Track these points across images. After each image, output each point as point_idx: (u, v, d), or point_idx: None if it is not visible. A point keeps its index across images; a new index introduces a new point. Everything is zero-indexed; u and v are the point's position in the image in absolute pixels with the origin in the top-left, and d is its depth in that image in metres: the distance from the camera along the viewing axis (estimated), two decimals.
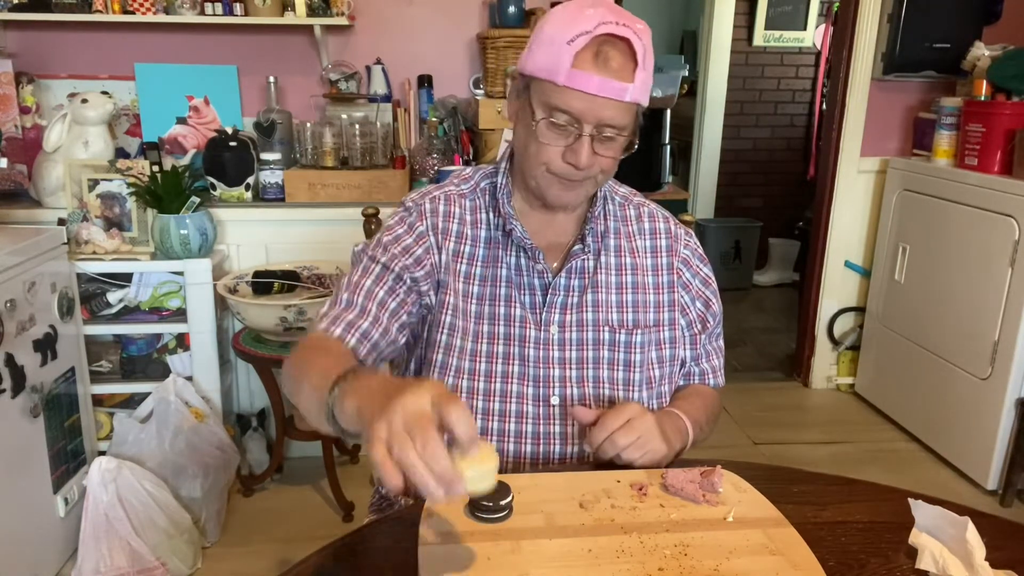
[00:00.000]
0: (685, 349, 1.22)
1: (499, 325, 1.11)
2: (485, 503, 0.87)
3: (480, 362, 1.11)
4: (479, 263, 1.13)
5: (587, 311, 1.13)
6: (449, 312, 1.11)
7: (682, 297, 1.20)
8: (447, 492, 0.68)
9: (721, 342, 1.27)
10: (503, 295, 1.12)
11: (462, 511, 0.90)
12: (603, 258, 1.15)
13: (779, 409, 3.20)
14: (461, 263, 1.13)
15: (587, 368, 1.12)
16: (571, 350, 1.12)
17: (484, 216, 1.15)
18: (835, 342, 3.34)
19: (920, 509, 0.89)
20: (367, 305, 1.07)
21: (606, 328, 1.13)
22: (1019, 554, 0.85)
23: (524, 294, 1.12)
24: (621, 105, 1.00)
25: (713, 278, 1.24)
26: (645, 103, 1.04)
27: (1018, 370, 2.40)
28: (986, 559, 0.82)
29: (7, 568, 1.82)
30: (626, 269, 1.16)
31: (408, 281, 1.10)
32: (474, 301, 1.12)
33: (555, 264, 1.14)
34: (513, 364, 1.11)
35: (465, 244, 1.13)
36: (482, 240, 1.14)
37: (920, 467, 2.75)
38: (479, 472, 0.72)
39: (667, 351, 1.19)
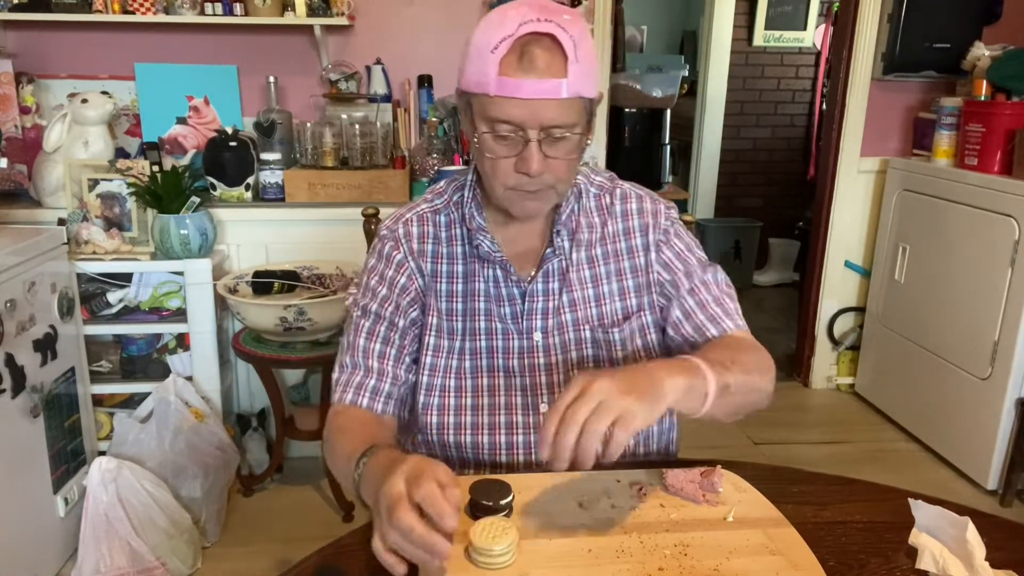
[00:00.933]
0: (674, 313, 1.12)
1: (481, 339, 1.11)
2: (485, 503, 0.87)
3: (466, 378, 1.11)
4: (459, 279, 1.12)
5: (566, 313, 1.11)
6: (433, 333, 1.12)
7: (664, 268, 1.13)
8: (435, 557, 0.72)
9: (730, 290, 1.16)
10: (483, 308, 1.11)
11: (462, 511, 0.90)
12: (575, 255, 1.12)
13: (779, 409, 3.20)
14: (440, 282, 1.12)
15: (573, 370, 1.11)
16: (556, 354, 1.11)
17: (459, 231, 1.13)
18: (835, 342, 3.34)
19: (920, 509, 0.89)
20: (369, 364, 1.09)
21: (587, 327, 1.12)
22: (1019, 554, 0.85)
23: (503, 305, 1.11)
24: (561, 103, 0.95)
25: (696, 243, 1.17)
26: (590, 94, 0.98)
27: (1018, 370, 2.40)
28: (986, 559, 0.82)
29: (7, 568, 1.82)
30: (598, 261, 1.13)
31: (401, 323, 1.11)
32: (458, 318, 1.11)
33: (531, 271, 1.12)
34: (498, 377, 1.11)
35: (442, 263, 1.12)
36: (459, 256, 1.12)
37: (920, 467, 2.75)
38: (500, 549, 0.79)
39: (653, 335, 1.15)
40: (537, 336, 1.11)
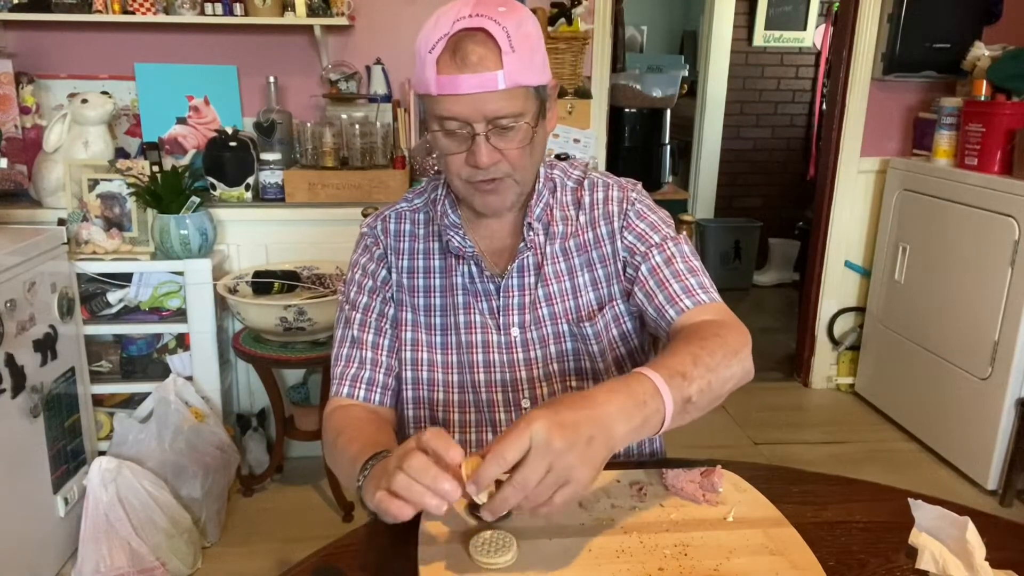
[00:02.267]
0: (643, 295, 1.09)
1: (461, 335, 1.11)
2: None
3: (451, 374, 1.12)
4: (436, 275, 1.13)
5: (542, 307, 1.11)
6: (409, 328, 1.13)
7: (628, 251, 1.11)
8: (444, 498, 0.72)
9: (693, 262, 1.10)
10: (461, 304, 1.12)
11: (462, 511, 0.90)
12: (548, 249, 1.12)
13: (779, 409, 3.20)
14: (418, 278, 1.13)
15: (552, 364, 1.12)
16: (535, 349, 1.12)
17: (436, 228, 1.14)
18: (835, 342, 3.34)
19: (920, 509, 0.89)
20: (364, 354, 1.11)
21: (564, 320, 1.12)
22: (1019, 554, 0.85)
23: (481, 300, 1.11)
24: (501, 94, 0.95)
25: (666, 220, 1.14)
26: (534, 82, 0.98)
27: (1018, 370, 2.40)
28: (986, 559, 0.82)
29: (7, 568, 1.82)
30: (572, 253, 1.13)
31: (391, 312, 1.13)
32: (436, 314, 1.12)
33: (506, 267, 1.12)
34: (478, 372, 1.11)
35: (418, 259, 1.14)
36: (436, 252, 1.14)
37: (920, 467, 2.75)
38: (504, 559, 0.80)
39: (627, 323, 1.14)
40: (515, 331, 1.11)
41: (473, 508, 0.88)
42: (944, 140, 2.79)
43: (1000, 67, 2.57)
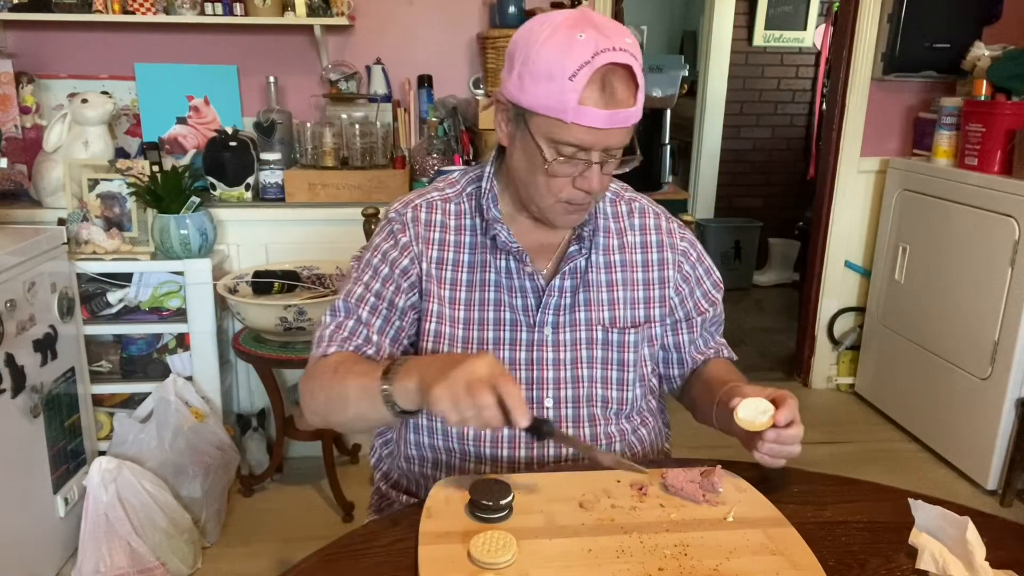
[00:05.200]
0: (682, 335, 1.22)
1: (488, 330, 1.11)
2: (485, 503, 0.88)
3: None
4: (465, 268, 1.12)
5: (580, 311, 1.13)
6: (434, 320, 1.11)
7: (680, 287, 1.19)
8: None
9: (715, 322, 1.28)
10: (492, 299, 1.11)
11: (462, 511, 0.90)
12: (593, 257, 1.14)
13: None
14: (446, 270, 1.12)
15: (581, 368, 1.12)
16: (565, 350, 1.12)
17: (469, 221, 1.14)
18: (835, 342, 3.34)
19: (920, 509, 0.89)
20: (369, 335, 1.09)
21: (599, 327, 1.13)
22: (1019, 554, 0.85)
23: (515, 297, 1.11)
24: (627, 129, 1.00)
25: (716, 270, 1.25)
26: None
27: (1018, 370, 2.40)
28: (986, 559, 0.82)
29: (7, 568, 1.82)
30: (615, 267, 1.16)
31: (400, 302, 1.11)
32: (462, 307, 1.11)
33: (546, 264, 1.14)
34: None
35: (449, 251, 1.12)
36: (467, 245, 1.13)
37: (920, 467, 2.75)
38: (504, 559, 0.81)
39: (656, 345, 1.20)
40: (548, 330, 1.12)
41: (473, 508, 0.89)
42: (944, 140, 2.79)
43: (1000, 67, 2.57)
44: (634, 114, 0.98)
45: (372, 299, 1.10)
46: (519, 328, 1.11)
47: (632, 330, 1.15)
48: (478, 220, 1.13)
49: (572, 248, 1.12)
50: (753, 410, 0.99)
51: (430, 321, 1.11)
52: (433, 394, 0.85)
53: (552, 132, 0.98)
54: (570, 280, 1.13)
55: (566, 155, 0.99)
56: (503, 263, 1.11)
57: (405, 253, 1.12)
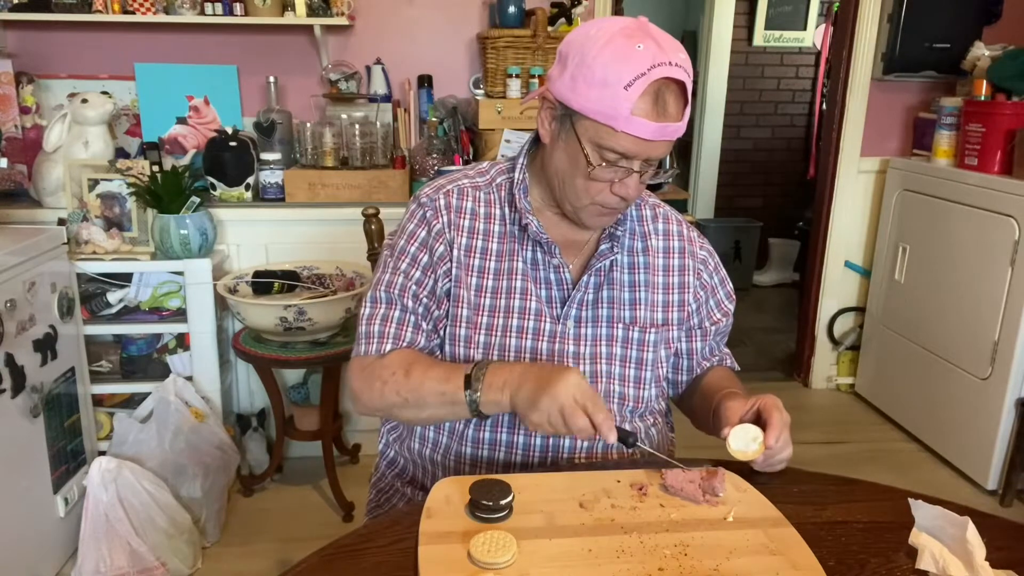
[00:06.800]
0: (695, 341, 1.24)
1: (513, 318, 1.12)
2: (485, 503, 0.87)
3: (493, 355, 1.12)
4: (493, 257, 1.14)
5: (603, 307, 1.15)
6: (464, 306, 1.13)
7: (698, 294, 1.22)
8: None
9: (723, 330, 1.31)
10: (519, 288, 1.13)
11: (462, 511, 0.90)
12: (618, 256, 1.16)
13: None
14: (474, 258, 1.13)
15: (600, 363, 1.14)
16: (585, 345, 1.14)
17: (499, 210, 1.15)
18: (835, 342, 3.34)
19: (920, 509, 0.89)
20: (417, 327, 1.12)
21: (620, 325, 1.15)
22: (1019, 554, 0.85)
23: (540, 287, 1.13)
24: (670, 143, 1.02)
25: (730, 282, 1.27)
26: None
27: (1018, 370, 2.40)
28: (986, 559, 0.82)
29: (7, 568, 1.82)
30: (639, 268, 1.18)
31: (438, 291, 1.13)
32: (488, 295, 1.13)
33: (571, 260, 1.16)
34: (525, 357, 1.12)
35: (478, 239, 1.14)
36: (496, 234, 1.14)
37: (920, 467, 2.75)
38: (504, 559, 0.81)
39: (672, 349, 1.22)
40: (570, 324, 1.13)
41: (473, 508, 0.89)
42: (944, 140, 2.79)
43: (1000, 67, 2.57)
44: (680, 128, 1.00)
45: (413, 287, 1.12)
46: (543, 318, 1.13)
47: (652, 330, 1.17)
48: (507, 210, 1.15)
49: (603, 246, 1.15)
50: (743, 438, 1.02)
51: (460, 307, 1.13)
52: (531, 420, 0.96)
53: (600, 137, 1.00)
54: (599, 276, 1.15)
55: (609, 161, 1.01)
56: (529, 253, 1.13)
57: (440, 240, 1.13)
